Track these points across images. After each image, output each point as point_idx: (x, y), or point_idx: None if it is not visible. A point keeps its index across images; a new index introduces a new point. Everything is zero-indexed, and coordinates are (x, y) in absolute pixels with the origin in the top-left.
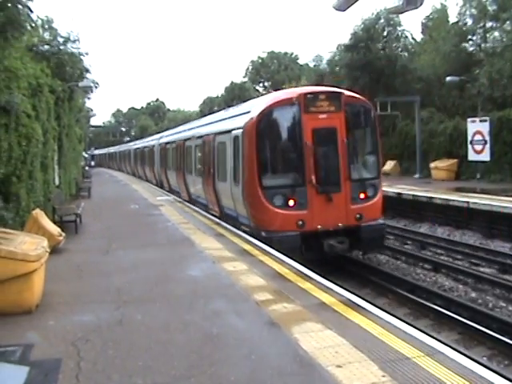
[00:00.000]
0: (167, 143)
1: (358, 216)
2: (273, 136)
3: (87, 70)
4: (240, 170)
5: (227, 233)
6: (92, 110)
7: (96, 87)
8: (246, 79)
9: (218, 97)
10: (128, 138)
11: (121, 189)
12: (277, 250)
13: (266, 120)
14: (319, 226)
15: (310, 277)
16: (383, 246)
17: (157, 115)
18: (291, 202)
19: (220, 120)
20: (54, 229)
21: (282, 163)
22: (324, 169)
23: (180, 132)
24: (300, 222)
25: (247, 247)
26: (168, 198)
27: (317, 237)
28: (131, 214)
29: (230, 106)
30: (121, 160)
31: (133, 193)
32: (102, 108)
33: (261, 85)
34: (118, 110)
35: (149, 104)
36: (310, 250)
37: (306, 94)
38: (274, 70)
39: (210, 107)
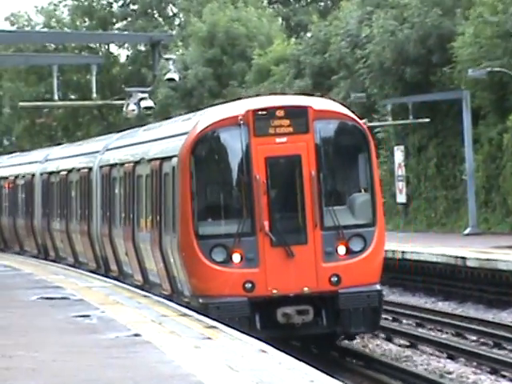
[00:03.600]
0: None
1: (333, 278)
2: (210, 168)
3: None
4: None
5: None
6: None
7: None
8: None
9: None
10: None
11: None
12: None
13: (202, 147)
14: (275, 291)
15: None
16: (377, 323)
17: None
18: (236, 257)
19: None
20: None
21: (222, 204)
22: (282, 211)
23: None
24: (248, 285)
25: None
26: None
27: (272, 305)
28: None
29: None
30: None
31: None
32: None
33: None
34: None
35: None
36: (268, 325)
37: (255, 110)
38: None
39: None
